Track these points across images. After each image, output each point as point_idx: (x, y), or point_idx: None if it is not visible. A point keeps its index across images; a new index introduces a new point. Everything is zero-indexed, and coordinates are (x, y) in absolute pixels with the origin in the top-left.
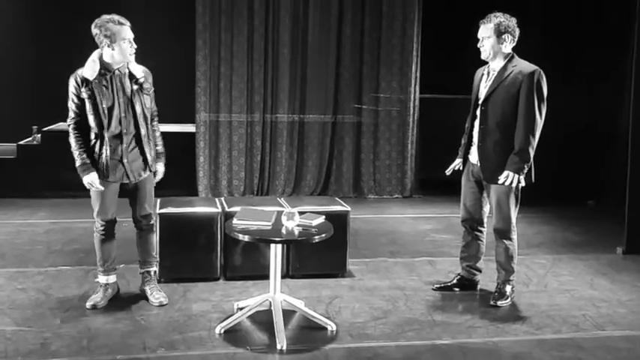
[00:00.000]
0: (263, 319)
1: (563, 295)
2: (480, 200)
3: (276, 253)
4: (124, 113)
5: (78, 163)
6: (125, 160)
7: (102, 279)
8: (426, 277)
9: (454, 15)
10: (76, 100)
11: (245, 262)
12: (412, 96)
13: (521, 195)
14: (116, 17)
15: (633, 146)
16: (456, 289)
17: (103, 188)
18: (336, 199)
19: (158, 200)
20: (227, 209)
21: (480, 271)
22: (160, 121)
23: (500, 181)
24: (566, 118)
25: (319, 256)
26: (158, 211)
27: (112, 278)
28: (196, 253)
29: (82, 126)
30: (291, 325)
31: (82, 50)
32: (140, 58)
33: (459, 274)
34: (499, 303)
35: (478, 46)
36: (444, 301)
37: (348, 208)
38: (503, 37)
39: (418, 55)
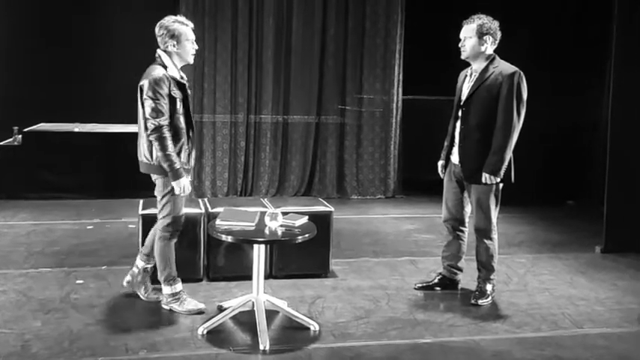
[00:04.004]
0: (246, 320)
1: (542, 293)
2: (462, 200)
3: (259, 254)
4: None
5: (176, 167)
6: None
7: (179, 286)
8: (409, 277)
9: (437, 16)
10: (166, 100)
11: (228, 263)
12: (395, 97)
13: (503, 195)
14: (180, 18)
15: (612, 147)
16: (438, 289)
17: (189, 191)
18: (320, 199)
19: (141, 201)
20: (210, 210)
21: (461, 271)
22: None
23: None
24: (547, 118)
25: (302, 257)
26: (141, 212)
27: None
28: (179, 253)
29: (171, 128)
30: (274, 326)
31: (63, 51)
32: (128, 58)
33: (440, 274)
34: (480, 302)
35: (459, 45)
36: (426, 300)
37: (332, 209)
38: (484, 38)
39: (401, 57)
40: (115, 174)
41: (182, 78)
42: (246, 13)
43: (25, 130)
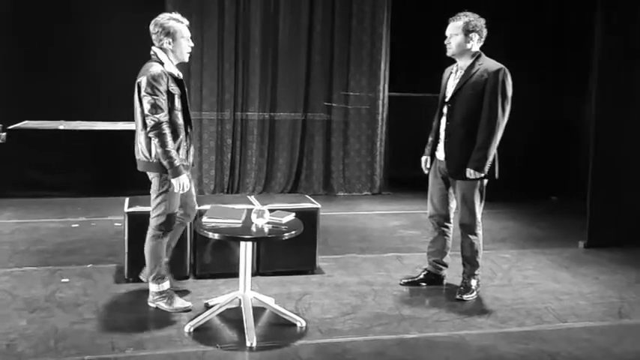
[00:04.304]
0: (233, 317)
1: (526, 288)
2: (447, 196)
3: (246, 251)
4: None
5: (176, 164)
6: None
7: (167, 284)
8: (394, 273)
9: (423, 14)
10: (165, 96)
11: (215, 260)
12: (381, 94)
13: (487, 191)
14: (175, 15)
15: (595, 143)
16: (423, 284)
17: (188, 188)
18: (306, 196)
19: (127, 199)
20: (197, 207)
21: (447, 266)
22: (131, 119)
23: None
24: (531, 115)
25: (289, 254)
26: (126, 210)
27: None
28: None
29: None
30: (260, 323)
31: (48, 49)
32: (114, 56)
33: (425, 269)
34: (465, 297)
35: (445, 43)
36: (412, 296)
37: (318, 206)
38: (470, 35)
39: (387, 54)
40: (101, 172)
41: (178, 75)
42: (232, 9)
43: (10, 127)
